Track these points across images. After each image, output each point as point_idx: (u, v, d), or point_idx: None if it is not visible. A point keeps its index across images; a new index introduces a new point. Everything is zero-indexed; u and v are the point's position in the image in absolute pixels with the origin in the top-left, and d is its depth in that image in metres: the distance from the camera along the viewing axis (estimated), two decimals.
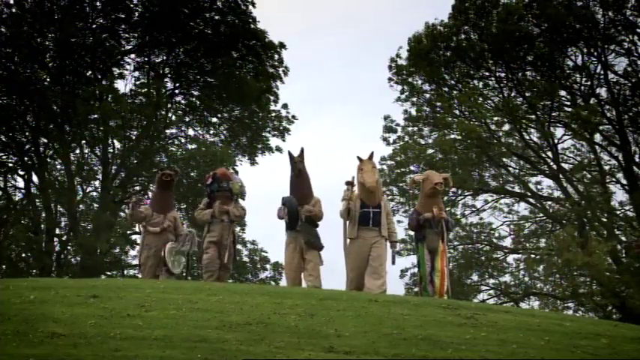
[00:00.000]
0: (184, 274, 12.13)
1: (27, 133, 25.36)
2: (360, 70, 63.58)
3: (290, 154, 10.80)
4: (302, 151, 10.82)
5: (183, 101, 27.38)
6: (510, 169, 26.81)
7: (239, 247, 24.97)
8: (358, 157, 10.60)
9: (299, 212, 10.44)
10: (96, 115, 24.41)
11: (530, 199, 26.50)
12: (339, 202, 10.74)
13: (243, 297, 8.93)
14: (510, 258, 26.94)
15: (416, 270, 26.75)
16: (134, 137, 25.43)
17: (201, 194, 15.95)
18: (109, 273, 25.28)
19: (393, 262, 10.53)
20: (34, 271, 23.81)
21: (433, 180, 10.79)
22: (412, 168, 25.87)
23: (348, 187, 10.49)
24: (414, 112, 27.06)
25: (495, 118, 26.38)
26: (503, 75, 26.51)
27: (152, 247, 11.40)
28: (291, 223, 10.49)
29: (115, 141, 25.58)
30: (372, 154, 10.66)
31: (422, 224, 10.74)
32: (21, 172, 25.31)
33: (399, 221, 22.97)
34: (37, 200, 25.01)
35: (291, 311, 7.94)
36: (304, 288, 10.36)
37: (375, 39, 62.78)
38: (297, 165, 10.70)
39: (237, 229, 19.21)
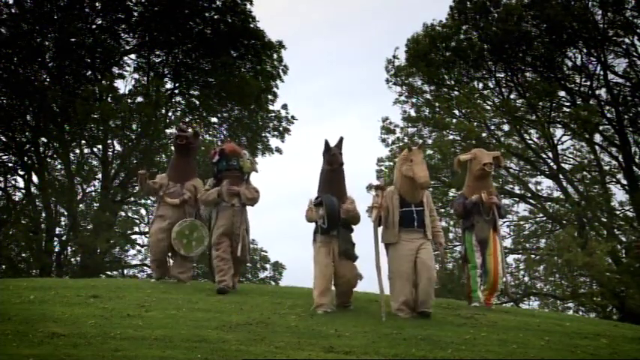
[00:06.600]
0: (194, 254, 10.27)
1: (27, 133, 25.33)
2: (359, 70, 63.59)
3: (327, 143, 8.81)
4: (341, 140, 8.86)
5: (182, 101, 27.38)
6: (510, 169, 26.78)
7: None
8: (408, 147, 8.81)
9: (340, 213, 8.55)
10: (96, 115, 24.39)
11: (530, 200, 26.47)
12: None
13: (243, 297, 8.95)
14: (510, 258, 26.92)
15: None
16: (134, 137, 25.39)
17: None
18: (109, 273, 25.27)
19: (443, 264, 9.09)
20: (34, 271, 23.79)
21: (482, 160, 9.55)
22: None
23: (378, 193, 8.55)
24: (412, 112, 27.08)
25: (495, 119, 26.37)
26: (502, 75, 26.52)
27: (166, 218, 9.97)
28: (330, 225, 8.55)
29: (114, 141, 25.57)
30: (422, 143, 9.03)
31: (469, 209, 9.48)
32: (21, 172, 25.28)
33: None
34: (37, 200, 24.99)
35: (291, 311, 7.96)
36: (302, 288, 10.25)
37: (375, 39, 62.77)
38: (338, 157, 8.72)
39: None
